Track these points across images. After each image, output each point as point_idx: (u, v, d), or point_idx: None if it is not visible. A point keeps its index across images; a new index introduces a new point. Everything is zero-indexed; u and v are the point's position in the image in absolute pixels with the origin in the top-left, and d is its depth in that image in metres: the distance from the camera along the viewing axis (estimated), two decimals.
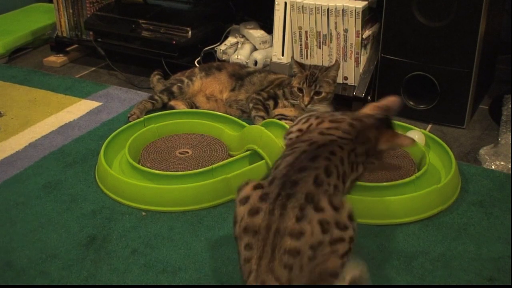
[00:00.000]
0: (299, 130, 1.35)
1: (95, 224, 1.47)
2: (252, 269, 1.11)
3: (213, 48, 2.29)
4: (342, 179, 1.20)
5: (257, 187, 1.16)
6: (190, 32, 2.23)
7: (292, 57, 2.04)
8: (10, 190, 1.62)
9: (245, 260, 1.12)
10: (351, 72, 2.04)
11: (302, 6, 2.02)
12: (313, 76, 1.83)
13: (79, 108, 2.09)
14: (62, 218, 1.50)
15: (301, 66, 1.88)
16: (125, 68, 2.44)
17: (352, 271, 1.16)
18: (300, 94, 1.85)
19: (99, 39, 2.42)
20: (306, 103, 1.83)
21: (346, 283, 1.14)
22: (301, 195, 1.12)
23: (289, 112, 1.91)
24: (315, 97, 1.84)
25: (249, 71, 2.05)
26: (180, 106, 2.00)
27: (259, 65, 2.17)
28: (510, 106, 1.95)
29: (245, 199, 1.15)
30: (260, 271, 1.09)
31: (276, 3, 2.07)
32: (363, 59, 2.02)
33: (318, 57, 2.07)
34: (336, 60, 1.98)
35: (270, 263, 1.09)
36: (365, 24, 1.99)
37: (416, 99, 1.98)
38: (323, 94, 1.84)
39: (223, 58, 2.25)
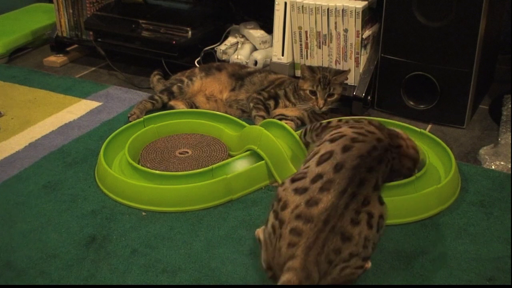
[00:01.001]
0: None
1: (95, 224, 1.47)
2: (295, 255, 1.12)
3: (213, 48, 2.29)
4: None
5: (316, 180, 1.18)
6: (190, 32, 2.23)
7: (304, 64, 1.99)
8: (10, 190, 1.62)
9: (289, 244, 1.13)
10: (351, 72, 2.04)
11: (302, 6, 2.02)
12: (325, 79, 1.85)
13: (79, 108, 2.09)
14: (62, 218, 1.50)
15: (312, 70, 1.89)
16: (125, 68, 2.44)
17: None
18: (313, 97, 1.85)
19: (99, 39, 2.42)
20: (321, 105, 1.85)
21: None
22: (362, 197, 1.17)
23: (290, 112, 1.91)
24: (328, 99, 1.85)
25: (249, 71, 2.05)
26: (179, 106, 2.00)
27: (259, 65, 2.17)
28: (510, 106, 1.95)
29: (303, 190, 1.17)
30: (307, 261, 1.12)
31: (276, 3, 2.07)
32: (363, 59, 2.02)
33: (318, 57, 2.07)
34: (349, 69, 1.97)
35: (318, 256, 1.12)
36: (365, 24, 1.99)
37: (416, 99, 1.98)
38: (335, 96, 1.86)
39: (223, 58, 2.25)
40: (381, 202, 1.21)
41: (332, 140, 1.26)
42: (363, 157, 1.21)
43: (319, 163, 1.21)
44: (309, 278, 1.11)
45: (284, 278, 1.11)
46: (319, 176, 1.18)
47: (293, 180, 1.20)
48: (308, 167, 1.22)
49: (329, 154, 1.22)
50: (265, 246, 1.21)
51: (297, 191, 1.17)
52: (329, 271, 1.14)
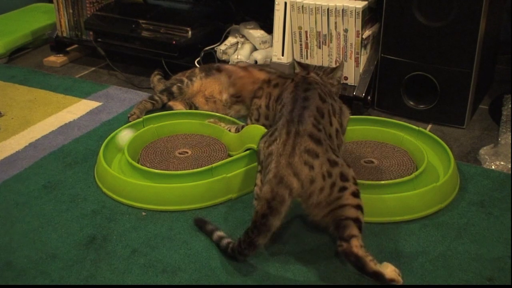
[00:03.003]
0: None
1: (95, 224, 1.47)
2: (270, 169, 1.21)
3: (213, 48, 2.29)
4: (332, 98, 1.42)
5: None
6: (190, 32, 2.23)
7: (295, 60, 2.03)
8: (10, 190, 1.62)
9: (267, 166, 1.24)
10: (351, 72, 2.04)
11: (302, 6, 2.02)
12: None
13: (79, 108, 2.09)
14: (62, 218, 1.50)
15: (303, 67, 1.88)
16: (125, 68, 2.44)
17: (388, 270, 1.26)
18: None
19: (99, 39, 2.42)
20: None
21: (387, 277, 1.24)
22: (314, 107, 1.29)
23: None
24: None
25: None
26: (178, 106, 2.00)
27: None
28: (510, 106, 1.95)
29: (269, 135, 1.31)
30: (279, 167, 1.20)
31: (276, 3, 2.07)
32: (363, 59, 2.02)
33: (318, 57, 2.07)
34: (341, 61, 1.97)
35: (289, 158, 1.20)
36: (365, 24, 1.99)
37: (416, 99, 1.98)
38: None
39: (223, 58, 2.25)
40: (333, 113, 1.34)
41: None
42: (293, 91, 1.38)
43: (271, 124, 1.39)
44: (281, 181, 1.19)
45: (261, 193, 1.21)
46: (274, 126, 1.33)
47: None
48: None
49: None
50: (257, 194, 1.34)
51: (265, 142, 1.31)
52: (315, 175, 1.20)
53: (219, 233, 1.36)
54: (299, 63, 1.91)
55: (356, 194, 1.27)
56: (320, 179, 1.22)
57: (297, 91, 1.38)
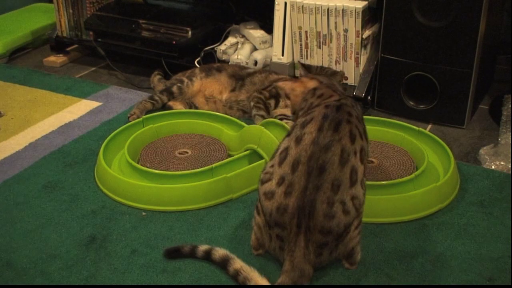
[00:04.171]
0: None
1: (95, 224, 1.47)
2: (285, 258, 1.22)
3: (213, 48, 2.29)
4: (364, 136, 1.28)
5: (280, 182, 1.21)
6: (190, 32, 2.23)
7: (299, 61, 2.03)
8: (10, 190, 1.62)
9: (280, 248, 1.24)
10: (351, 72, 2.04)
11: (302, 6, 2.02)
12: None
13: (79, 108, 2.09)
14: (62, 218, 1.50)
15: (307, 68, 1.88)
16: (125, 68, 2.44)
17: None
18: None
19: (99, 39, 2.42)
20: None
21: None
22: (328, 185, 1.17)
23: (291, 112, 1.90)
24: None
25: (250, 72, 2.05)
26: (177, 106, 2.00)
27: (259, 65, 2.17)
28: (510, 106, 1.95)
29: (271, 194, 1.22)
30: (297, 262, 1.20)
31: (276, 3, 2.07)
32: (363, 59, 2.02)
33: (318, 57, 2.08)
34: (341, 71, 1.98)
35: (306, 256, 1.20)
36: (365, 24, 1.99)
37: (416, 99, 1.98)
38: None
39: (223, 58, 2.25)
40: (352, 182, 1.19)
41: (288, 134, 1.28)
42: (314, 142, 1.20)
43: (280, 163, 1.23)
44: (302, 275, 1.20)
45: (279, 280, 1.21)
46: (282, 179, 1.21)
47: (262, 182, 1.25)
48: (273, 166, 1.25)
49: (286, 152, 1.23)
50: (260, 232, 1.29)
51: (267, 196, 1.23)
52: (323, 259, 1.23)
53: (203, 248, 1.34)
54: (303, 65, 1.92)
55: (359, 223, 1.25)
56: (328, 257, 1.24)
57: (316, 146, 1.19)
